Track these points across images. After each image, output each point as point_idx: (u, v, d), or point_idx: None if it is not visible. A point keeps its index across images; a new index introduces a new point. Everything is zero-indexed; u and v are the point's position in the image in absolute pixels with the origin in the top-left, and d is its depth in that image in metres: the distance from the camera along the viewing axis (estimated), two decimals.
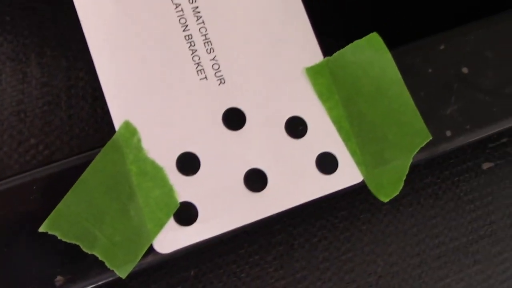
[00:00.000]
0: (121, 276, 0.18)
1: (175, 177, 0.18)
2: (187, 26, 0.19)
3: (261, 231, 0.23)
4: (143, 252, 0.18)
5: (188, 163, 0.19)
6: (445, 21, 0.23)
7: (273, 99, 0.19)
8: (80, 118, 0.23)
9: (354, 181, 0.19)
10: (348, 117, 0.20)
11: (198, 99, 0.19)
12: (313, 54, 0.20)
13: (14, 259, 0.18)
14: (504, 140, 0.25)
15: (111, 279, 0.18)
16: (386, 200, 0.19)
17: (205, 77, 0.19)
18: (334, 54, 0.20)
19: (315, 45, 0.20)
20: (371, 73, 0.20)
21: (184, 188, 0.18)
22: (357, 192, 0.20)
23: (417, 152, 0.19)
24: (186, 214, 0.18)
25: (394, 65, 0.20)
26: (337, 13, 0.25)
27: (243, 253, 0.23)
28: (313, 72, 0.20)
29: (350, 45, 0.20)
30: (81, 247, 0.17)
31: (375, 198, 0.20)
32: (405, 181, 0.19)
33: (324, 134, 0.19)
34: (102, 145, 0.18)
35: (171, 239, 0.18)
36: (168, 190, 0.18)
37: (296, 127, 0.19)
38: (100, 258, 0.18)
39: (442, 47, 0.21)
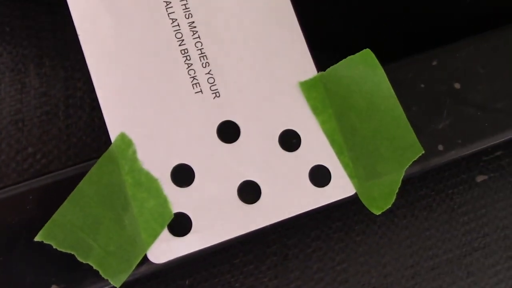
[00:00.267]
0: (115, 286, 0.18)
1: (169, 188, 0.19)
2: (183, 40, 0.20)
3: (255, 241, 0.23)
4: (137, 262, 0.18)
5: (183, 175, 0.19)
6: (438, 38, 0.23)
7: (267, 113, 0.20)
8: (77, 128, 0.24)
9: (346, 194, 0.19)
10: (341, 131, 0.20)
11: (193, 112, 0.19)
12: (307, 68, 0.20)
13: (10, 268, 0.18)
14: (498, 153, 0.25)
15: None
16: (378, 212, 0.19)
17: (201, 91, 0.19)
18: (328, 69, 0.20)
19: (309, 60, 0.20)
20: (364, 88, 0.20)
21: (179, 199, 0.19)
22: (352, 203, 0.20)
23: (410, 166, 0.19)
24: (180, 225, 0.18)
25: (387, 80, 0.20)
26: (331, 28, 0.25)
27: (237, 263, 0.23)
28: (307, 86, 0.20)
29: (343, 60, 0.20)
30: (76, 256, 0.17)
31: None
32: (400, 193, 0.19)
33: (318, 148, 0.20)
34: (99, 156, 0.18)
35: (165, 249, 0.18)
36: (163, 201, 0.18)
37: (289, 140, 0.20)
38: (94, 267, 0.18)
39: (434, 63, 0.22)
